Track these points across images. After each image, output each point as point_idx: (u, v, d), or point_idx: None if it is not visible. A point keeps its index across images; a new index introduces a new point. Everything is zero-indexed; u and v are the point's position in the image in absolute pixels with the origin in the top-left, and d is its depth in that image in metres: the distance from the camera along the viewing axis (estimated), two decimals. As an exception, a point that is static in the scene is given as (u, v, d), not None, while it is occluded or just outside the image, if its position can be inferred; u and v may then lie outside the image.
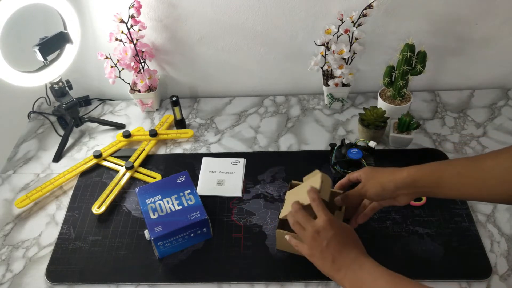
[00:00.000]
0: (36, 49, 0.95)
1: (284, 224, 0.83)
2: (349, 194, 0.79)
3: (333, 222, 0.69)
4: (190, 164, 1.05)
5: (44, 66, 1.01)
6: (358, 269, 0.65)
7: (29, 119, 1.22)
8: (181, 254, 0.87)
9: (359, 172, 0.79)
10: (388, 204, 0.77)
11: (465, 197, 0.70)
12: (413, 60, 0.99)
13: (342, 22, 1.03)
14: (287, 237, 0.76)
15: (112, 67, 1.10)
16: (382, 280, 0.63)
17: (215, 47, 1.16)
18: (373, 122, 1.02)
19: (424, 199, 0.93)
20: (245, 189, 0.99)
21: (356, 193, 0.77)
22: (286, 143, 1.10)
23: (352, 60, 1.11)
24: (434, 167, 0.70)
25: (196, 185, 1.00)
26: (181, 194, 0.89)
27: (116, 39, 1.08)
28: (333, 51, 1.06)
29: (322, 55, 1.08)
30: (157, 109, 1.22)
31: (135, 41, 1.08)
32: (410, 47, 0.98)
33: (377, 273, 0.64)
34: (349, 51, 1.07)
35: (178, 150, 1.10)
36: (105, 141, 1.13)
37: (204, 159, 1.06)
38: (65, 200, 0.99)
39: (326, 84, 1.15)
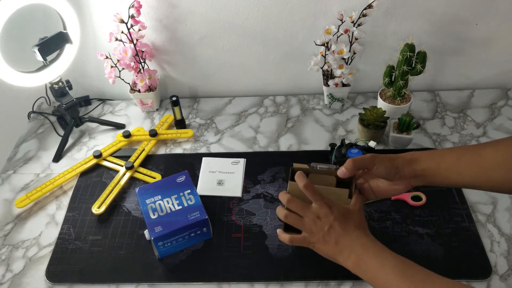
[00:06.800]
0: (36, 49, 0.95)
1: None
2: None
3: (332, 205, 0.68)
4: (190, 164, 1.05)
5: (44, 66, 1.00)
6: (362, 252, 0.65)
7: (29, 119, 1.22)
8: (181, 254, 0.87)
9: (364, 156, 0.72)
10: (386, 193, 0.74)
11: (463, 183, 0.69)
12: (413, 60, 0.99)
13: (342, 22, 1.03)
14: (278, 231, 0.73)
15: (112, 67, 1.10)
16: (388, 265, 0.63)
17: (215, 47, 1.15)
18: (373, 122, 1.02)
19: (424, 199, 0.93)
20: (245, 189, 0.99)
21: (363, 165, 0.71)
22: (286, 143, 1.10)
23: (352, 60, 1.11)
24: (433, 151, 0.71)
25: (196, 185, 1.00)
26: (181, 194, 0.89)
27: (116, 39, 1.08)
28: (333, 51, 1.06)
29: (322, 55, 1.08)
30: (157, 109, 1.22)
31: (135, 41, 1.08)
32: (410, 47, 0.98)
33: (382, 257, 0.64)
34: (349, 51, 1.07)
35: (178, 150, 1.10)
36: (105, 141, 1.13)
37: (204, 159, 1.06)
38: (65, 200, 0.99)
39: (326, 84, 1.15)
